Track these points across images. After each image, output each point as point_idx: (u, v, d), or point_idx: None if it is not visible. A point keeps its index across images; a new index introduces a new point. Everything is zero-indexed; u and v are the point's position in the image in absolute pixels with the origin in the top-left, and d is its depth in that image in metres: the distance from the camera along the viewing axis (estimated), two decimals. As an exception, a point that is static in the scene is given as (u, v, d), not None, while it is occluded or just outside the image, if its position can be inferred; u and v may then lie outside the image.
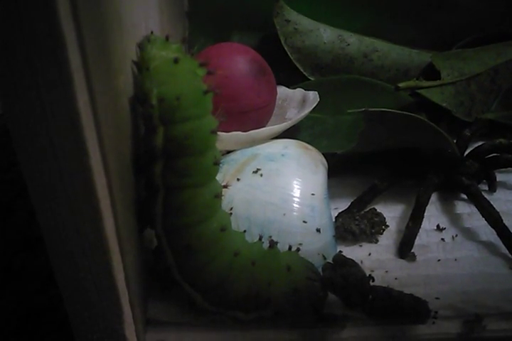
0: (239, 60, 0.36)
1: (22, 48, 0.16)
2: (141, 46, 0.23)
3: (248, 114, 0.36)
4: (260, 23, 0.44)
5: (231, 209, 0.30)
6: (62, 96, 0.17)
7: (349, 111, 0.35)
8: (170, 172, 0.24)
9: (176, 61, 0.23)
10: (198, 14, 0.46)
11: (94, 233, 0.20)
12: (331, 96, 0.41)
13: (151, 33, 0.24)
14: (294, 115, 0.39)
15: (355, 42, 0.43)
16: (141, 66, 0.23)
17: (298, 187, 0.32)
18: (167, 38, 0.23)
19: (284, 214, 0.30)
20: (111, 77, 0.21)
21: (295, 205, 0.31)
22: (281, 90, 0.40)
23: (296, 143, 0.35)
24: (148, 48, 0.23)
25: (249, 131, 0.34)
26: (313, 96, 0.39)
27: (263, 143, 0.35)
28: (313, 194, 0.32)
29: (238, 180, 0.32)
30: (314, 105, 0.38)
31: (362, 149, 0.36)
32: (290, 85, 0.42)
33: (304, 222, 0.30)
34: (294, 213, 0.31)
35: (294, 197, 0.31)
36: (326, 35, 0.43)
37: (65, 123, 0.17)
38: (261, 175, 0.32)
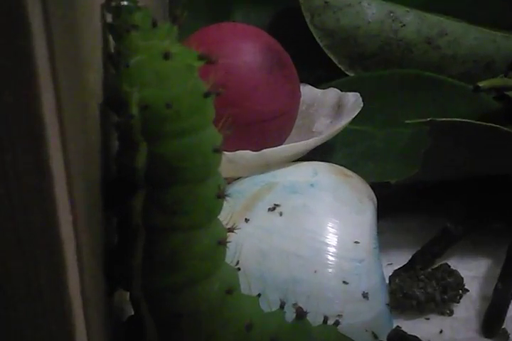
0: (246, 49, 0.38)
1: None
2: (119, 32, 0.25)
3: (259, 126, 0.38)
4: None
5: (238, 262, 0.31)
6: (20, 99, 0.19)
7: (407, 121, 0.37)
8: (155, 207, 0.26)
9: (167, 56, 0.25)
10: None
11: (53, 292, 0.22)
12: (379, 100, 0.43)
13: (133, 9, 0.25)
14: (325, 127, 0.41)
15: (413, 22, 0.45)
16: (119, 61, 0.25)
17: (334, 231, 0.33)
18: (154, 23, 0.25)
19: (316, 272, 0.32)
20: (78, 75, 0.23)
21: (331, 259, 0.33)
22: (307, 91, 0.43)
23: (331, 167, 0.37)
24: (130, 36, 0.25)
25: (261, 149, 0.36)
26: (353, 100, 0.41)
27: (282, 167, 0.37)
28: (356, 242, 0.33)
29: (247, 221, 0.34)
30: (355, 113, 0.40)
31: (426, 177, 0.38)
32: (319, 84, 0.44)
33: (345, 282, 0.32)
34: (330, 270, 0.32)
35: (329, 246, 0.33)
36: (370, 11, 0.45)
37: (23, 136, 0.19)
38: (280, 215, 0.34)
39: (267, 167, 0.37)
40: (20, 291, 0.22)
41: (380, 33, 0.45)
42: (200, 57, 0.26)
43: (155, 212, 0.26)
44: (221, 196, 0.27)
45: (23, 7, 0.18)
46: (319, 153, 0.39)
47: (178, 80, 0.25)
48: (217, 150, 0.26)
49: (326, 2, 0.45)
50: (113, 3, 0.25)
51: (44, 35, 0.19)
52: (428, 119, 0.36)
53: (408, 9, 0.45)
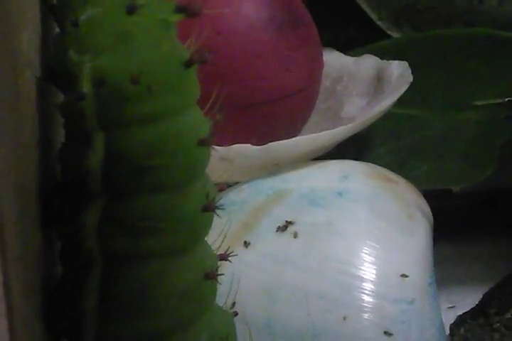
0: (246, -2, 0.39)
1: None
2: None
3: (264, 109, 0.38)
4: None
5: (233, 305, 0.32)
6: None
7: (476, 102, 0.37)
8: (115, 225, 0.26)
9: (132, 9, 0.25)
10: None
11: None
12: (435, 73, 0.44)
13: None
14: (359, 111, 0.41)
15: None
16: (64, 16, 0.25)
17: (372, 261, 0.34)
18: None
19: (345, 319, 0.32)
20: (7, 36, 0.23)
21: (367, 299, 0.33)
22: (333, 59, 0.43)
23: (367, 168, 0.37)
24: None
25: (266, 143, 0.37)
26: (399, 72, 0.41)
27: (297, 168, 0.37)
28: (404, 276, 0.34)
29: (247, 245, 0.34)
30: (402, 90, 0.40)
31: (504, 183, 0.38)
32: (351, 49, 0.45)
33: (387, 333, 0.32)
34: (366, 316, 0.33)
35: (365, 282, 0.33)
36: None
37: None
38: (294, 236, 0.34)
39: (276, 168, 0.37)
40: None
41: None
42: (178, 9, 0.26)
43: (116, 231, 0.26)
44: (210, 209, 0.27)
45: None
46: (351, 149, 0.40)
47: (147, 43, 0.25)
48: (204, 143, 0.27)
49: None
50: None
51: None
52: (506, 99, 0.36)
53: None
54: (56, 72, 0.26)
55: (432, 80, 0.43)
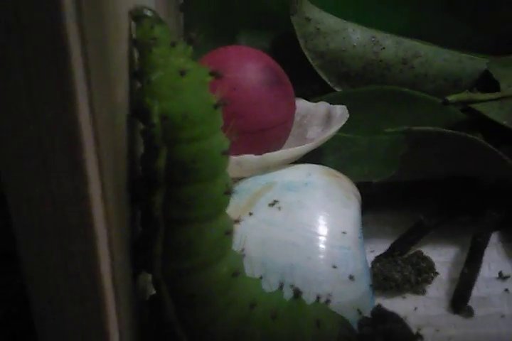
0: (249, 68, 0.39)
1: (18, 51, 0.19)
2: (142, 48, 0.25)
3: (261, 134, 0.38)
4: (274, 21, 0.47)
5: (243, 250, 0.32)
6: (61, 110, 0.19)
7: (387, 130, 0.37)
8: (172, 202, 0.26)
9: (183, 72, 0.25)
10: (195, 8, 0.48)
11: (89, 277, 0.22)
12: (363, 112, 0.44)
13: (155, 20, 0.25)
14: (317, 134, 0.41)
15: (391, 46, 0.46)
16: (142, 77, 0.25)
17: (325, 223, 0.34)
18: (173, 42, 0.26)
19: (309, 258, 0.32)
20: (109, 89, 0.23)
21: (322, 246, 0.33)
22: (301, 104, 0.43)
23: (322, 169, 0.37)
24: (151, 54, 0.25)
25: (262, 154, 0.37)
26: (340, 112, 0.41)
27: (281, 169, 0.37)
28: (344, 232, 0.34)
29: (251, 214, 0.34)
30: (343, 122, 0.40)
31: (403, 177, 0.38)
32: (311, 98, 0.45)
33: (334, 267, 0.32)
34: (321, 256, 0.33)
35: (321, 236, 0.33)
36: (355, 36, 0.46)
37: (62, 141, 0.20)
38: (279, 209, 0.34)
39: (268, 169, 0.37)
40: (59, 279, 0.22)
41: (363, 55, 0.46)
42: (211, 73, 0.26)
43: (172, 206, 0.26)
44: (228, 193, 0.27)
45: (65, 35, 0.18)
46: (312, 157, 0.39)
47: (192, 94, 0.25)
48: (225, 154, 0.27)
49: (317, 29, 0.45)
50: (136, 13, 0.25)
51: (81, 58, 0.20)
52: (404, 128, 0.36)
53: (387, 34, 0.46)
54: (138, 111, 0.26)
55: (360, 116, 0.43)
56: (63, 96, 0.19)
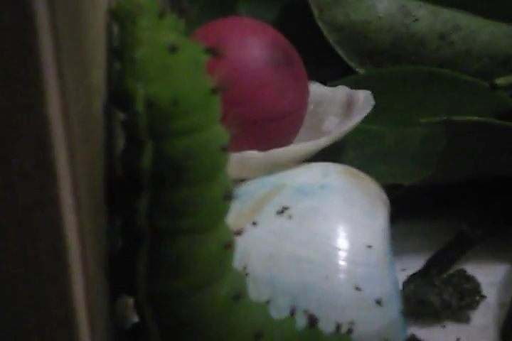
0: (252, 44, 0.39)
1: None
2: (123, 19, 0.25)
3: (266, 125, 0.38)
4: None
5: (245, 267, 0.32)
6: (25, 96, 0.19)
7: (420, 120, 0.37)
8: (160, 209, 0.26)
9: (173, 49, 0.25)
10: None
11: (58, 300, 0.22)
12: (391, 98, 0.44)
13: None
14: (334, 126, 0.41)
15: (426, 17, 0.46)
16: (123, 54, 0.25)
17: (346, 235, 0.34)
18: (161, 13, 0.26)
19: (327, 277, 0.32)
20: (84, 69, 0.23)
21: (342, 263, 0.33)
22: (316, 89, 0.43)
23: (342, 168, 0.37)
24: (134, 26, 0.25)
25: (268, 149, 0.37)
26: (363, 98, 0.41)
27: (291, 168, 0.37)
28: (369, 246, 0.34)
29: (255, 224, 0.34)
30: (366, 111, 0.40)
31: (441, 179, 0.38)
32: (328, 81, 0.44)
33: (357, 289, 0.32)
34: (341, 275, 0.33)
35: (341, 250, 0.33)
36: (381, 5, 0.46)
37: (27, 134, 0.20)
38: (289, 218, 0.34)
39: (275, 168, 0.37)
40: (23, 298, 0.22)
41: (392, 28, 0.46)
42: (207, 51, 0.26)
43: (160, 214, 0.26)
44: (228, 198, 0.27)
45: (30, 4, 0.18)
46: (329, 154, 0.39)
47: (184, 75, 0.25)
48: (225, 149, 0.27)
49: (335, -4, 0.45)
50: None
51: (49, 30, 0.19)
52: (442, 118, 0.36)
53: (421, 3, 0.46)
54: (118, 96, 0.26)
55: (387, 104, 0.43)
56: (27, 78, 0.19)
